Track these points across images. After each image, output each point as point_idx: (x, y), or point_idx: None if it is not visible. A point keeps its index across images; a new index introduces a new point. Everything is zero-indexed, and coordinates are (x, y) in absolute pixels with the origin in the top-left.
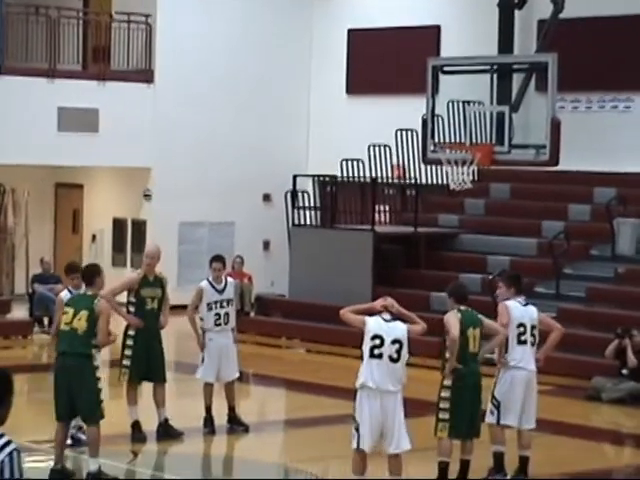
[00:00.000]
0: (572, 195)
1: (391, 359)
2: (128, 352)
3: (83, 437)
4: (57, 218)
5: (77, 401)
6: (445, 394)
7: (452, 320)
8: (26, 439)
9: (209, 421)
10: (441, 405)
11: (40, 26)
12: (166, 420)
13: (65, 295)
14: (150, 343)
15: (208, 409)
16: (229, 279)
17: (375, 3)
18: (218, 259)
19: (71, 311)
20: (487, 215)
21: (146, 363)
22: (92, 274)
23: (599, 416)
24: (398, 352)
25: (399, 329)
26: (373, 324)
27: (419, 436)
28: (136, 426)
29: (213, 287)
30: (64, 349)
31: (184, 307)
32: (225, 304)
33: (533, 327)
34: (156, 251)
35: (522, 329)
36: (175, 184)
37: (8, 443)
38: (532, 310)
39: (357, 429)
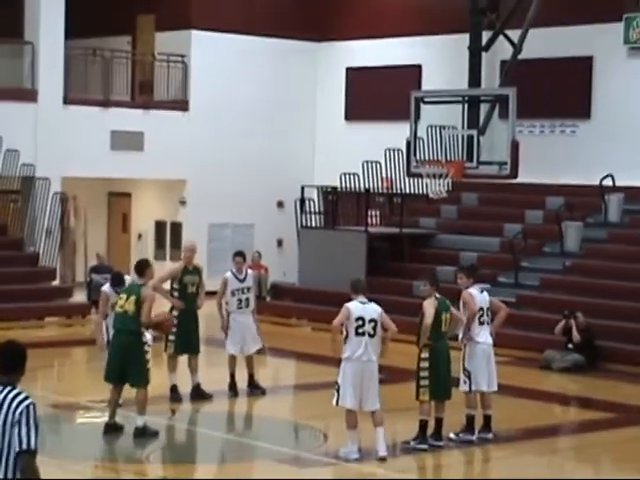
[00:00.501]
0: (528, 203)
1: (369, 335)
2: (173, 329)
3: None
4: (110, 220)
5: (127, 369)
6: (424, 364)
7: (429, 309)
8: (85, 399)
9: (233, 386)
10: (421, 374)
11: (97, 65)
12: (198, 385)
13: (107, 288)
14: (190, 322)
15: (232, 376)
16: (249, 271)
17: (368, 47)
18: (239, 254)
19: (124, 296)
20: (459, 219)
21: (189, 339)
22: (143, 267)
23: (550, 382)
24: (374, 329)
25: (374, 310)
26: (355, 308)
27: (402, 398)
28: (174, 389)
29: (235, 277)
30: (118, 327)
31: (213, 293)
32: (246, 291)
33: (488, 309)
34: (193, 246)
35: (481, 312)
36: (205, 193)
37: (26, 398)
38: (485, 295)
39: (338, 390)
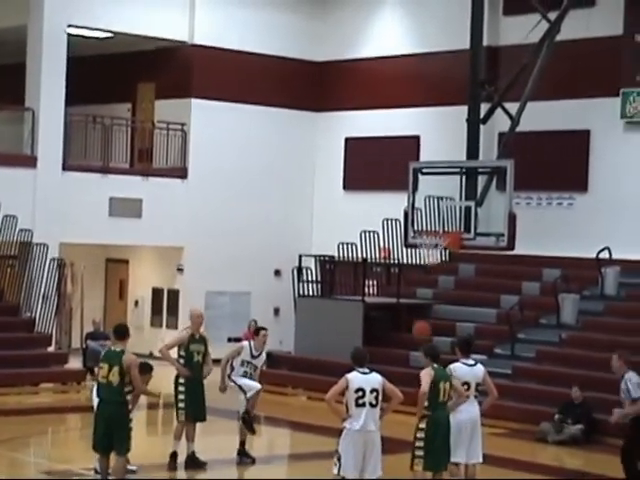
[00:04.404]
0: (525, 274)
1: (371, 405)
2: (182, 397)
3: (128, 467)
4: (107, 287)
5: (113, 438)
6: (420, 435)
7: (425, 378)
8: (79, 466)
9: (243, 453)
10: (417, 444)
11: (96, 132)
12: (193, 452)
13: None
14: (198, 391)
15: (242, 443)
16: (264, 353)
17: (367, 117)
18: (264, 328)
19: (106, 366)
20: (456, 289)
21: (198, 408)
22: (124, 331)
23: (546, 455)
24: (376, 399)
25: (376, 379)
26: (354, 379)
27: (398, 470)
28: (174, 456)
29: (251, 350)
30: (103, 397)
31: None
32: (254, 368)
33: (477, 384)
34: (201, 313)
35: (466, 386)
36: (203, 260)
37: None
38: (478, 370)
39: (339, 459)
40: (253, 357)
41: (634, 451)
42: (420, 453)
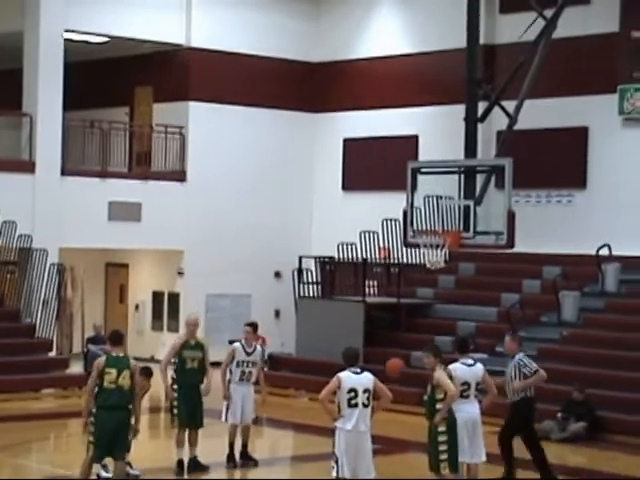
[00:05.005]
0: (525, 272)
1: (363, 405)
2: (175, 403)
3: (132, 471)
4: (107, 291)
5: (117, 444)
6: (442, 438)
7: (446, 379)
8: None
9: (231, 457)
10: (440, 448)
11: (94, 136)
12: (195, 457)
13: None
14: (192, 397)
15: (231, 446)
16: (259, 346)
17: (365, 118)
18: (250, 324)
19: (114, 371)
20: (456, 288)
21: (192, 414)
22: (121, 337)
23: (548, 453)
24: (368, 399)
25: (368, 379)
26: (347, 379)
27: (400, 469)
28: (180, 464)
29: (244, 349)
30: (114, 403)
31: (212, 364)
32: (251, 365)
33: (477, 384)
34: (196, 320)
35: (466, 386)
36: (203, 263)
37: None
38: (477, 369)
39: (336, 462)
40: (248, 354)
41: (511, 431)
42: (444, 457)
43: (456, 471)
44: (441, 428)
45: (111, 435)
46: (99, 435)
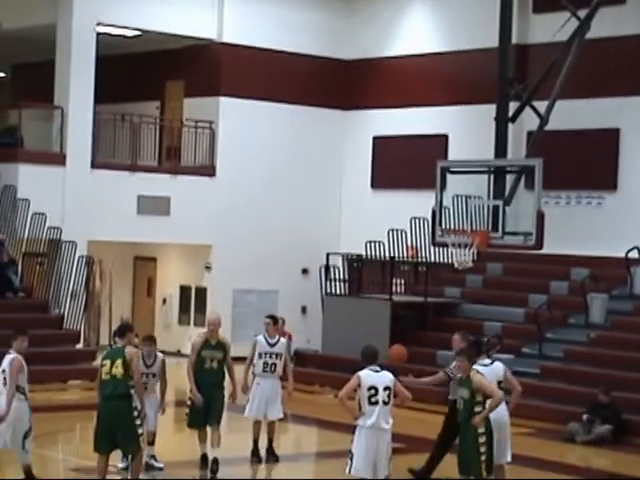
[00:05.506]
0: (553, 273)
1: (384, 403)
2: (189, 402)
3: (156, 464)
4: (135, 284)
5: (119, 436)
6: (482, 439)
7: (488, 383)
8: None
9: (256, 452)
10: (481, 450)
11: (125, 130)
12: (215, 459)
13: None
14: (210, 397)
15: (255, 442)
16: (282, 339)
17: (395, 115)
18: (269, 316)
19: (108, 362)
20: (484, 288)
21: (206, 413)
22: (124, 329)
23: (573, 455)
24: (389, 396)
25: (388, 377)
26: (367, 377)
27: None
28: (204, 457)
29: (266, 340)
30: (108, 393)
31: (238, 359)
32: (274, 356)
33: (499, 382)
34: (216, 319)
35: None
36: (231, 258)
37: None
38: (497, 368)
39: (351, 458)
40: (271, 345)
41: (446, 431)
42: (484, 458)
43: (491, 473)
44: (481, 429)
45: (108, 425)
46: (97, 426)
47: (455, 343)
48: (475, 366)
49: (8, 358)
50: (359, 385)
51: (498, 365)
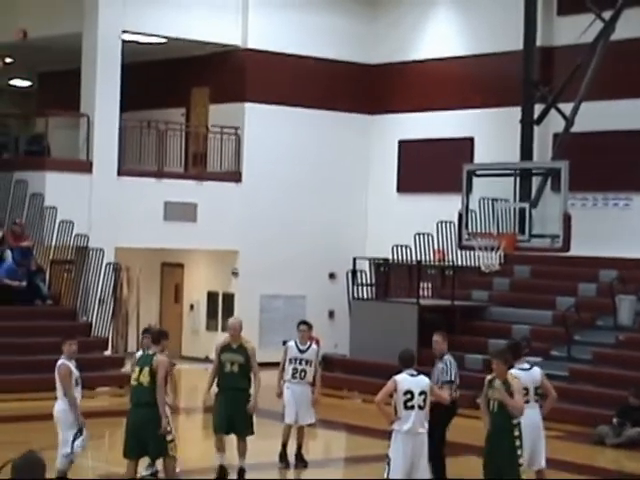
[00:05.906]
0: (581, 275)
1: (419, 407)
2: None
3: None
4: (162, 291)
5: (147, 443)
6: (518, 443)
7: (518, 394)
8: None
9: (284, 456)
10: (518, 453)
11: (151, 137)
12: (242, 469)
13: (139, 355)
14: (232, 401)
15: (284, 446)
16: (314, 345)
17: (421, 119)
18: (303, 322)
19: (137, 369)
20: (511, 291)
21: (228, 418)
22: (158, 336)
23: (604, 458)
24: (424, 401)
25: (424, 382)
26: (403, 381)
27: (457, 473)
28: (221, 469)
29: (297, 346)
30: (135, 401)
31: (266, 364)
32: (304, 362)
33: (536, 388)
34: (236, 323)
35: (525, 391)
36: (258, 264)
37: None
38: (535, 373)
39: (389, 463)
40: (301, 352)
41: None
42: (521, 461)
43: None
44: (516, 433)
45: (136, 431)
46: (126, 431)
47: (437, 344)
48: (513, 370)
49: (57, 364)
50: (395, 389)
51: (536, 370)
